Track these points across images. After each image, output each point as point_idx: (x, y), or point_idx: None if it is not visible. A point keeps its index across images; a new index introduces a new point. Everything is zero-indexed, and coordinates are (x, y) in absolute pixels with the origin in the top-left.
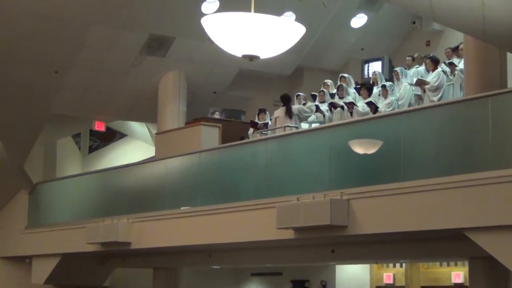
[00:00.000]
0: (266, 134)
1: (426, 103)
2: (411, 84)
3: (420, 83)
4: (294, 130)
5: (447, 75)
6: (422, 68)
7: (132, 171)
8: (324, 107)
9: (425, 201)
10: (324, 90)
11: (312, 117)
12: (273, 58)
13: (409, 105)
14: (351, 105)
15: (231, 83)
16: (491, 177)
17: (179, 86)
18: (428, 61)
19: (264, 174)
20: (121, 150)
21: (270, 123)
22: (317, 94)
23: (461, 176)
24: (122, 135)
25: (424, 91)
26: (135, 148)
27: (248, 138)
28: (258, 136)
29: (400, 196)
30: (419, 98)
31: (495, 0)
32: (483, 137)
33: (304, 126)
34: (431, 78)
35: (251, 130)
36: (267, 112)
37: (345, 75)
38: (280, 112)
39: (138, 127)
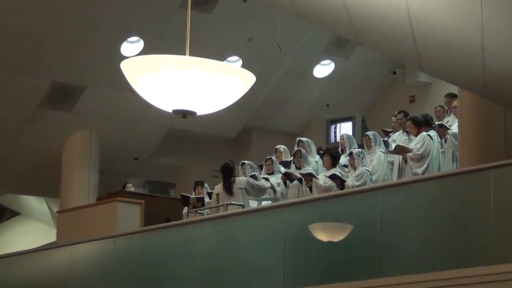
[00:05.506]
0: (202, 214)
1: (408, 177)
2: (388, 152)
3: (400, 150)
4: (239, 210)
5: (438, 140)
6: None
7: (26, 260)
8: (273, 179)
9: None
10: (273, 158)
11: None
12: (213, 115)
13: (384, 180)
14: (309, 177)
15: (158, 147)
16: (492, 273)
17: (89, 150)
18: (409, 123)
19: (200, 267)
20: (11, 233)
21: (206, 199)
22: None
23: (454, 271)
24: (14, 214)
25: (406, 161)
26: (30, 231)
27: (181, 219)
28: (193, 216)
29: None
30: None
31: (498, 44)
32: (483, 221)
33: (252, 204)
34: (414, 144)
35: (185, 209)
36: (205, 185)
37: (303, 139)
38: (222, 187)
39: (35, 203)
